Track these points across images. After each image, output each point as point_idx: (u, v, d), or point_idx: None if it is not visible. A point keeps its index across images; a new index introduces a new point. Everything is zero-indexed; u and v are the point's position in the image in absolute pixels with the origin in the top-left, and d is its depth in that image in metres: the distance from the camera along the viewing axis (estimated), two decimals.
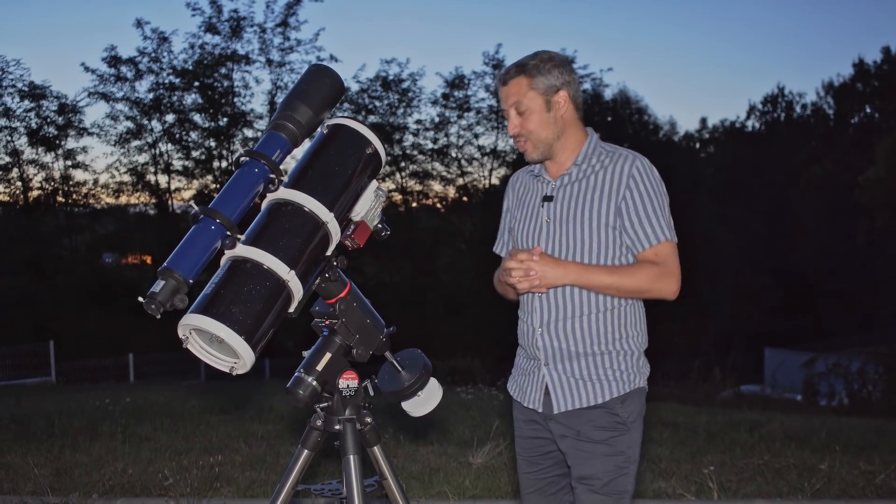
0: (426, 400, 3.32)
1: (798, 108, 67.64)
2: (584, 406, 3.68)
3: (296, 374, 3.09)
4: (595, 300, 3.68)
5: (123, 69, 41.81)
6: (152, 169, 44.07)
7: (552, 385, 3.74)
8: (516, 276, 3.56)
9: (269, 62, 42.92)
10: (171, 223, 42.21)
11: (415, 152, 47.10)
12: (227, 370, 2.80)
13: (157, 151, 43.84)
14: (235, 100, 43.33)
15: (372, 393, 3.26)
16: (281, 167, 2.99)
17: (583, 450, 3.67)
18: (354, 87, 44.20)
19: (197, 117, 43.63)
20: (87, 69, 41.95)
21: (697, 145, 70.61)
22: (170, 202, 44.82)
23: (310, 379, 3.07)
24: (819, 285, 51.76)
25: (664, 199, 3.69)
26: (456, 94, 46.16)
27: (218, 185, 41.33)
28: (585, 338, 3.69)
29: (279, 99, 39.35)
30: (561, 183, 3.77)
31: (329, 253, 3.03)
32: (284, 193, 2.94)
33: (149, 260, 43.77)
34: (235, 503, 6.64)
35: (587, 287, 3.63)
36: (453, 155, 47.55)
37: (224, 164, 43.21)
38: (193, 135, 44.04)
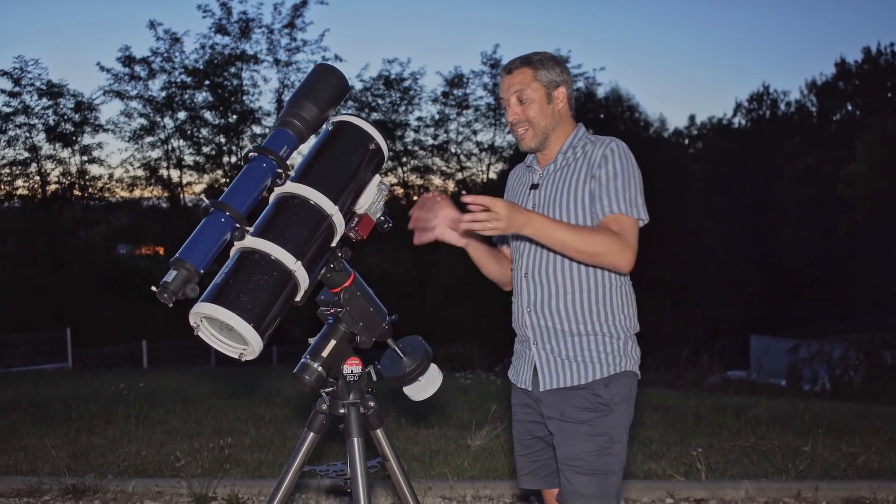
0: (427, 385, 3.32)
1: (782, 106, 67.80)
2: (567, 385, 3.66)
3: (302, 360, 3.09)
4: (580, 279, 3.66)
5: (137, 68, 41.85)
6: (165, 164, 44.12)
7: (539, 363, 3.73)
8: (476, 219, 3.24)
9: (277, 62, 42.96)
10: (183, 216, 42.20)
11: (416, 148, 47.18)
12: (236, 356, 2.80)
13: (170, 147, 43.88)
14: (244, 98, 43.38)
15: (375, 378, 3.26)
16: (288, 162, 2.99)
17: (566, 430, 3.65)
18: (358, 85, 44.26)
19: (207, 114, 43.67)
20: (102, 68, 42.15)
21: (686, 141, 70.69)
22: (182, 196, 44.91)
23: (315, 365, 3.07)
24: (802, 275, 51.81)
25: (633, 180, 3.61)
26: (455, 92, 46.25)
27: (228, 180, 41.32)
28: (571, 317, 3.66)
29: (286, 97, 39.49)
30: (547, 172, 3.79)
31: (334, 244, 3.03)
32: (291, 187, 2.94)
33: (161, 251, 43.82)
34: (244, 483, 6.64)
35: (544, 240, 3.42)
36: (453, 151, 47.63)
37: (233, 159, 43.23)
38: (204, 131, 44.09)
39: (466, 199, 3.28)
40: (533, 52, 3.80)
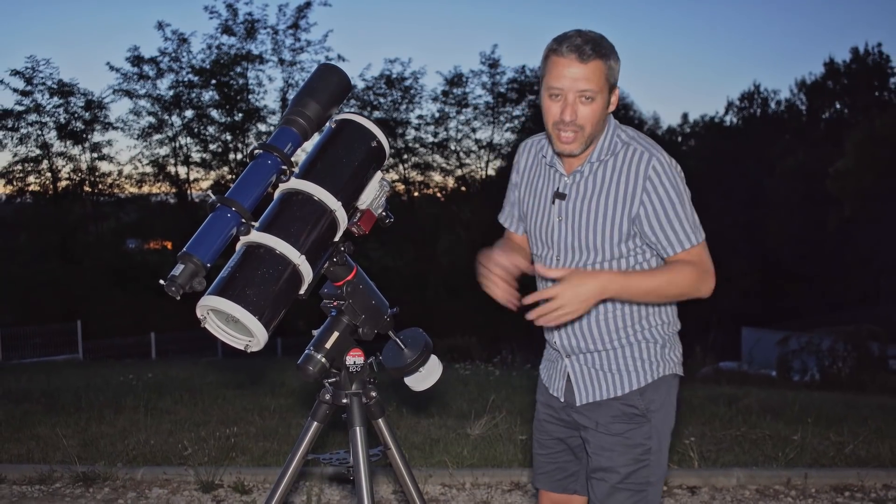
0: (427, 375, 3.31)
1: (773, 105, 67.91)
2: (603, 398, 3.40)
3: (306, 351, 3.09)
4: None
5: (146, 68, 41.94)
6: (172, 161, 44.18)
7: (574, 377, 3.46)
8: (544, 319, 3.09)
9: (281, 62, 42.99)
10: (190, 211, 42.32)
11: (416, 145, 47.23)
12: (242, 348, 2.80)
13: (177, 144, 43.93)
14: (250, 97, 43.39)
15: (377, 369, 3.25)
16: (292, 159, 2.99)
17: (600, 442, 3.39)
18: (360, 84, 44.28)
19: (214, 113, 43.72)
20: (111, 68, 42.17)
21: (679, 139, 70.62)
22: (189, 192, 44.95)
23: (319, 356, 3.07)
24: (793, 269, 51.83)
25: (685, 199, 3.22)
26: (455, 91, 46.31)
27: (234, 176, 41.35)
28: (604, 336, 3.38)
29: (290, 96, 39.54)
30: (573, 180, 3.32)
31: (337, 239, 3.02)
32: (295, 183, 2.94)
33: (169, 245, 43.84)
34: (250, 471, 6.64)
35: (628, 298, 3.22)
36: (452, 148, 47.65)
37: (239, 156, 43.30)
38: (211, 129, 44.15)
39: (527, 300, 3.15)
40: (597, 35, 3.17)
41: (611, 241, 3.28)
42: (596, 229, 3.29)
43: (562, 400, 3.54)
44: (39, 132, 41.58)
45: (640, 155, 3.22)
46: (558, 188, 3.38)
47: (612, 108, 3.24)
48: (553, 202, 3.40)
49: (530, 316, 3.11)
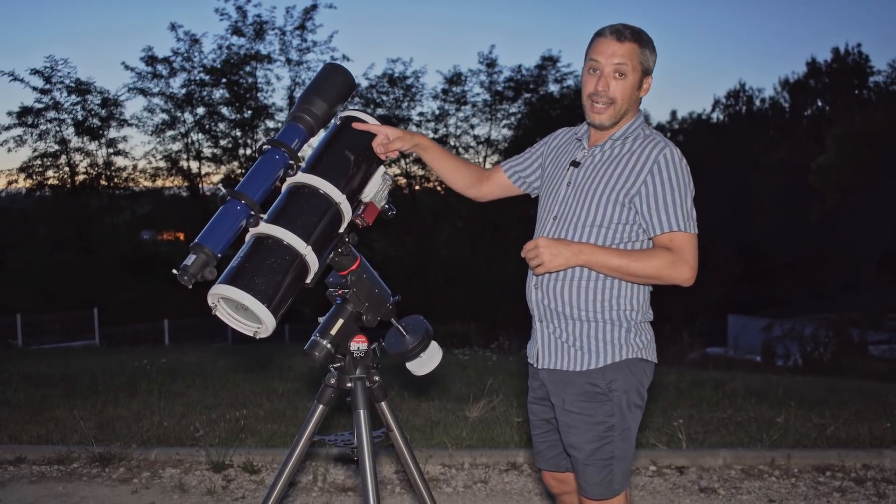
0: (428, 360, 3.32)
1: (757, 102, 67.94)
2: (563, 369, 3.43)
3: (312, 337, 3.09)
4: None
5: (159, 67, 41.66)
6: (185, 156, 43.96)
7: (541, 342, 3.50)
8: (530, 257, 3.28)
9: (289, 61, 42.78)
10: (202, 204, 42.16)
11: None
12: (251, 334, 2.81)
13: (189, 140, 43.73)
14: (259, 95, 43.19)
15: (379, 354, 3.26)
16: (299, 154, 2.99)
17: (566, 420, 3.44)
18: (364, 83, 44.13)
19: (224, 110, 43.47)
20: (126, 67, 41.85)
21: (668, 135, 70.40)
22: (200, 185, 44.78)
23: (324, 342, 3.07)
24: (776, 259, 51.83)
25: (686, 190, 3.32)
26: (454, 89, 46.11)
27: (243, 171, 41.26)
28: (574, 302, 3.38)
29: (297, 94, 39.43)
30: (592, 153, 3.46)
31: (342, 230, 3.03)
32: (302, 177, 2.94)
33: (182, 237, 43.74)
34: (258, 452, 6.65)
35: (597, 268, 3.28)
36: (452, 144, 47.46)
37: (248, 151, 43.12)
38: (221, 126, 43.89)
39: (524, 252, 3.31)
40: (639, 28, 3.42)
41: (605, 207, 3.36)
42: (595, 194, 3.38)
43: (535, 365, 3.57)
44: (58, 128, 41.43)
45: (656, 144, 3.37)
46: (576, 158, 3.54)
47: (643, 93, 3.45)
48: (568, 169, 3.54)
49: (524, 252, 3.30)
